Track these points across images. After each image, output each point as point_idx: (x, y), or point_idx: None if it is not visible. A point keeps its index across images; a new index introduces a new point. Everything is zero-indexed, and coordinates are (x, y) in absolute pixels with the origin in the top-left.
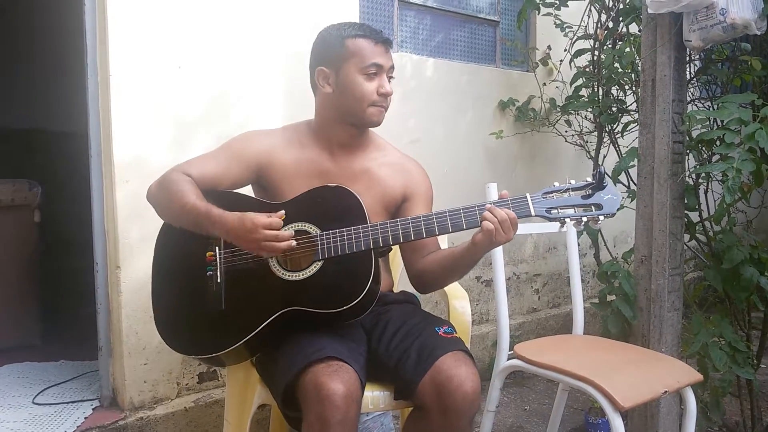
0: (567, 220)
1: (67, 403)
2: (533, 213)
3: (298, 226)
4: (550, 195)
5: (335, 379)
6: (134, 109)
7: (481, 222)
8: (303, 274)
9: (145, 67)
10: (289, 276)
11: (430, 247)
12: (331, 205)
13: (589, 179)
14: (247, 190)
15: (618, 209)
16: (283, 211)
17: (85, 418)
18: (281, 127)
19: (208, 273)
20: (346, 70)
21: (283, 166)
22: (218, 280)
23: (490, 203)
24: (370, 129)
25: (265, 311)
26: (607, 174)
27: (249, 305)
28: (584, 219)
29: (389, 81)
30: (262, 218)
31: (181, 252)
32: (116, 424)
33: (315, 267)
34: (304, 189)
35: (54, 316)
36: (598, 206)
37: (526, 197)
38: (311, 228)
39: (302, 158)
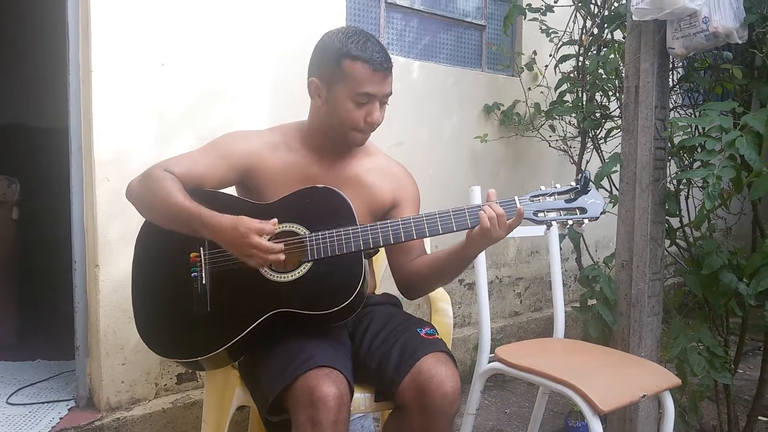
0: (553, 223)
1: (42, 403)
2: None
3: (286, 226)
4: (537, 198)
5: (327, 381)
6: (116, 106)
7: (479, 218)
8: (292, 276)
9: (128, 64)
10: (277, 277)
11: (417, 251)
12: (319, 206)
13: (574, 183)
14: (231, 190)
15: (601, 213)
16: (276, 219)
17: (60, 418)
18: (270, 128)
19: (192, 274)
20: (338, 90)
21: (270, 169)
22: (203, 282)
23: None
24: None
25: (253, 313)
26: (590, 180)
27: (236, 307)
28: (569, 222)
29: (382, 106)
30: (255, 223)
31: (164, 252)
32: (92, 424)
33: (304, 268)
34: (288, 192)
35: (31, 315)
36: (583, 210)
37: (514, 200)
38: (299, 229)
39: (290, 162)
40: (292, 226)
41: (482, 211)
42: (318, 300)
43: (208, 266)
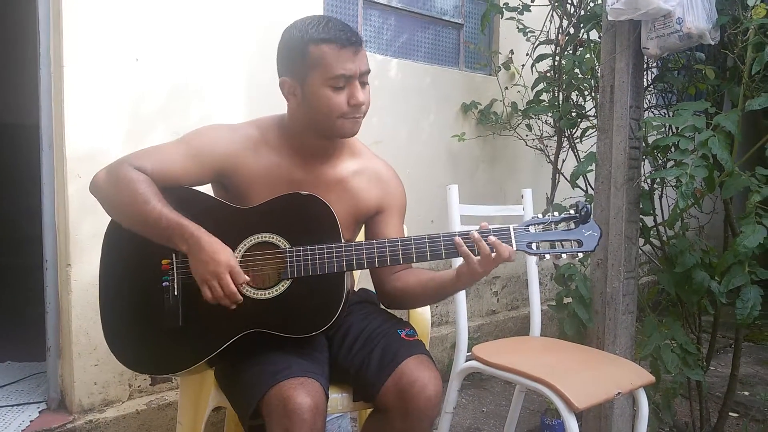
0: (546, 256)
1: (12, 405)
2: (515, 247)
3: (266, 237)
4: (533, 227)
5: (301, 392)
6: (88, 102)
7: (460, 253)
8: (270, 293)
9: (101, 59)
10: (254, 294)
11: (400, 265)
12: (302, 216)
13: (573, 212)
14: (207, 188)
15: (596, 247)
16: (248, 279)
17: (31, 421)
18: (248, 122)
19: (163, 284)
20: (311, 81)
21: (250, 170)
22: (175, 293)
23: (475, 230)
24: None
25: (227, 331)
26: (590, 212)
27: (209, 323)
28: (563, 256)
29: (364, 86)
30: (235, 265)
31: (133, 257)
32: (64, 427)
33: (283, 286)
34: (269, 194)
35: (1, 316)
36: (579, 242)
37: (509, 230)
38: (280, 241)
39: (271, 164)
40: (273, 237)
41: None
42: (295, 322)
43: (180, 276)
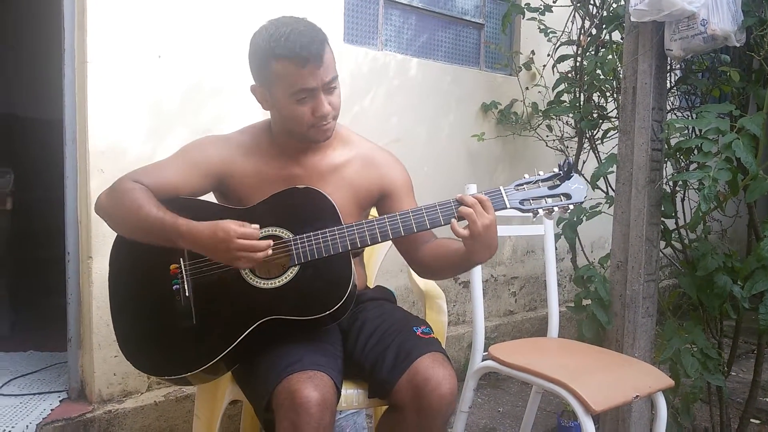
0: (540, 211)
1: (34, 394)
2: (508, 205)
3: (269, 230)
4: (522, 187)
5: (309, 386)
6: (112, 97)
7: (457, 216)
8: (279, 281)
9: (124, 55)
10: (263, 284)
11: (423, 238)
12: (301, 208)
13: (557, 170)
14: (209, 196)
15: (585, 197)
16: (257, 225)
17: (52, 410)
18: (239, 130)
19: (174, 287)
20: (276, 93)
21: (245, 174)
22: (186, 294)
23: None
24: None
25: (242, 323)
26: (573, 165)
27: (222, 318)
28: (555, 209)
29: (332, 92)
30: (236, 226)
31: (141, 267)
32: (83, 416)
33: (291, 273)
34: (268, 194)
35: (24, 306)
36: (567, 195)
37: (500, 190)
38: (283, 233)
39: (264, 164)
40: (275, 230)
41: (459, 212)
42: (307, 305)
43: (189, 277)
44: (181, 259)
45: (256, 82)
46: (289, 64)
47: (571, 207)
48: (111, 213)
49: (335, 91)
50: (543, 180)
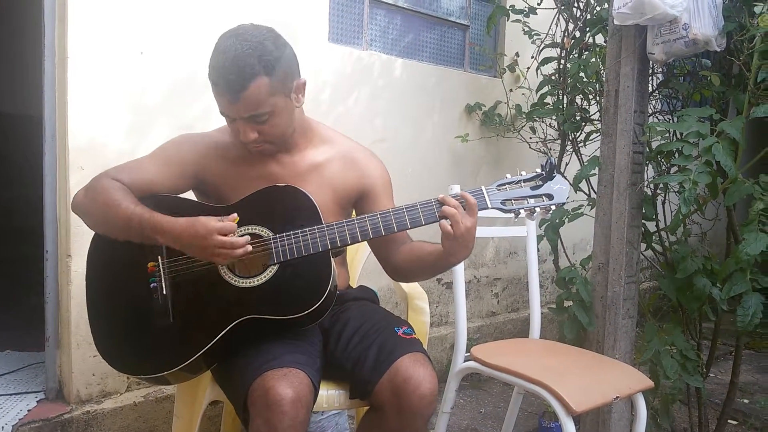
0: (521, 211)
1: (11, 394)
2: (489, 206)
3: (249, 229)
4: (504, 187)
5: (283, 383)
6: (92, 94)
7: (438, 216)
8: (257, 280)
9: (106, 51)
10: (242, 283)
11: (400, 240)
12: (281, 206)
13: (539, 170)
14: (190, 194)
15: (567, 198)
16: (236, 214)
17: (29, 410)
18: (218, 128)
19: (151, 285)
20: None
21: (223, 171)
22: (164, 292)
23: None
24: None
25: (219, 322)
26: (555, 165)
27: (200, 317)
28: (537, 209)
29: (263, 121)
30: (214, 222)
31: (119, 264)
32: (61, 417)
33: (270, 272)
34: (247, 192)
35: (1, 305)
36: (549, 196)
37: (481, 190)
38: (262, 231)
39: (244, 162)
40: (255, 229)
41: (442, 212)
42: (286, 304)
43: (167, 275)
44: (159, 257)
45: None
46: (214, 88)
47: (553, 207)
48: (88, 211)
49: (268, 121)
50: (525, 180)
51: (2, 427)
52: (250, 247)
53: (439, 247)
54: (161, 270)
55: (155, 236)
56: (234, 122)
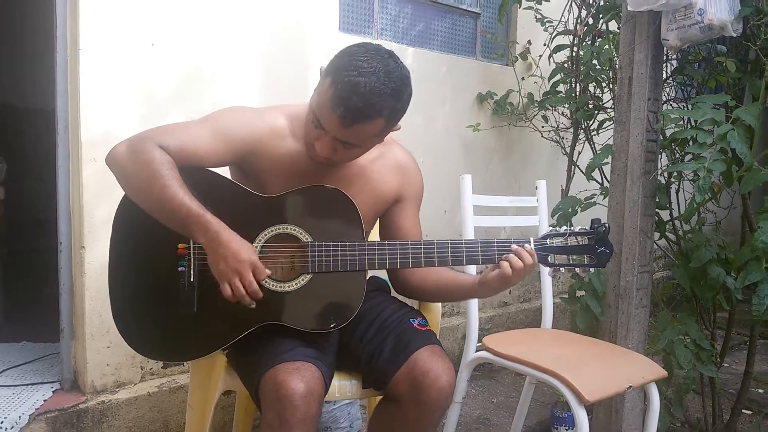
0: (561, 269)
1: (27, 385)
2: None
3: (288, 228)
4: (551, 240)
5: (296, 377)
6: (104, 86)
7: (499, 262)
8: (289, 287)
9: (117, 43)
10: (273, 286)
11: None
12: (325, 210)
13: (589, 228)
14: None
15: (606, 264)
16: (269, 272)
17: (45, 400)
18: (275, 107)
19: (179, 269)
20: (313, 98)
21: (273, 157)
22: (191, 279)
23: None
24: None
25: (243, 321)
26: (608, 231)
27: (225, 312)
28: (576, 270)
29: (348, 149)
30: (255, 257)
31: (148, 237)
32: (76, 407)
33: (303, 280)
34: (289, 183)
35: (17, 297)
36: (591, 258)
37: (528, 242)
38: (302, 234)
39: (294, 153)
40: (294, 230)
41: (504, 261)
42: (313, 317)
43: (197, 262)
44: (191, 241)
45: (321, 75)
46: (330, 98)
47: (592, 270)
48: (127, 175)
49: (351, 150)
50: (573, 234)
51: (19, 417)
52: (253, 305)
53: (464, 277)
54: (191, 255)
55: (196, 234)
56: (321, 131)
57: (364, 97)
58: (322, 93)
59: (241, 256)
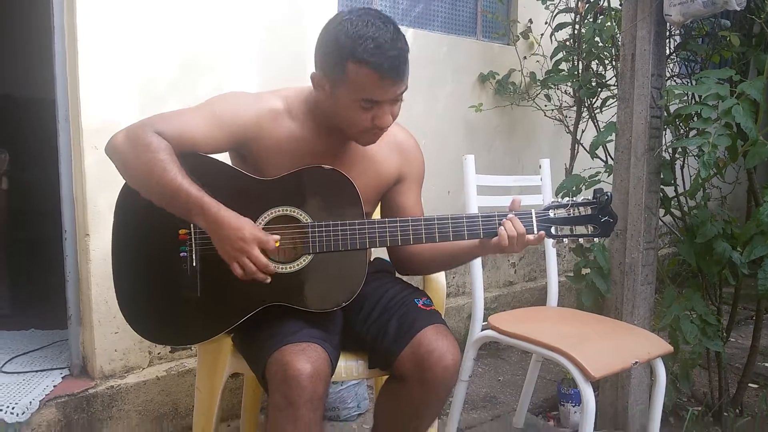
0: (565, 240)
1: (36, 371)
2: (536, 231)
3: (287, 210)
4: (553, 211)
5: (302, 358)
6: (103, 75)
7: (496, 232)
8: (290, 267)
9: (115, 32)
10: (275, 268)
11: None
12: (324, 191)
13: (592, 197)
14: (224, 156)
15: (611, 232)
16: (278, 237)
17: (55, 386)
18: (273, 91)
19: (181, 254)
20: (341, 92)
21: (271, 141)
22: (193, 264)
23: (509, 214)
24: None
25: (246, 304)
26: (611, 200)
27: (228, 295)
28: (580, 240)
29: (395, 104)
30: (259, 232)
31: (149, 224)
32: (86, 392)
33: (304, 261)
34: (289, 166)
35: (24, 285)
36: (595, 227)
37: (530, 214)
38: (302, 215)
39: (293, 135)
40: (294, 211)
41: (502, 228)
42: (316, 297)
43: (198, 247)
44: (192, 225)
45: (320, 72)
46: (369, 72)
47: (596, 240)
48: (126, 162)
49: (399, 103)
50: (575, 205)
51: (30, 402)
52: (269, 279)
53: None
54: (193, 240)
55: (196, 218)
56: (373, 108)
57: (392, 49)
58: (355, 78)
59: (244, 234)
